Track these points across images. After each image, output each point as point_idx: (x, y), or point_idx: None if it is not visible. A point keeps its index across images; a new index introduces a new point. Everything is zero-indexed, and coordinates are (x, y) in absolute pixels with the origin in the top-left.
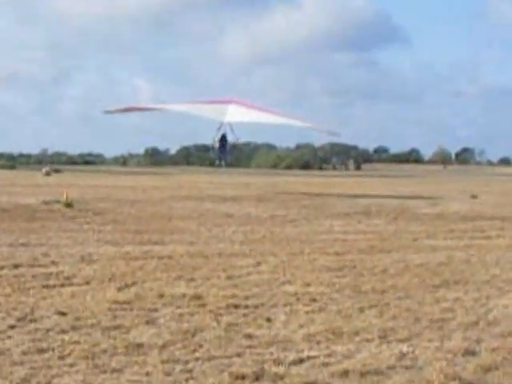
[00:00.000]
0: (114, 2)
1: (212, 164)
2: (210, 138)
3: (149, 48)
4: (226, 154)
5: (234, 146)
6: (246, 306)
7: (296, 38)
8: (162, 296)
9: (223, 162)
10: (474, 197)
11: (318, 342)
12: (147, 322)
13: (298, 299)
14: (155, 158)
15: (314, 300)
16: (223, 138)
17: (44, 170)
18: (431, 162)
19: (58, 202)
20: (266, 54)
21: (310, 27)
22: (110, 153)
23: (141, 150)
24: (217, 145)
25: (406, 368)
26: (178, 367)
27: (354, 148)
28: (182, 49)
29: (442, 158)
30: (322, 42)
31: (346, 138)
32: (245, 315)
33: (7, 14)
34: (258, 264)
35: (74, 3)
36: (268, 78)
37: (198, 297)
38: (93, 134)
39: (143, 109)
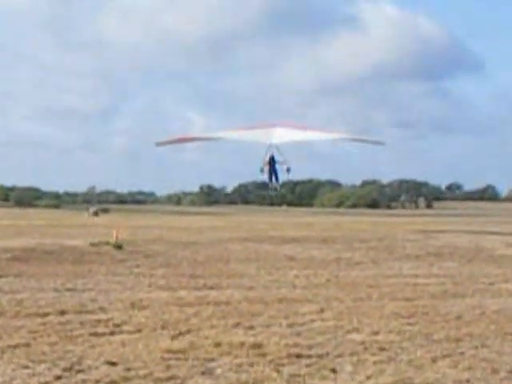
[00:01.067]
0: (166, 30)
1: (272, 203)
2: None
3: (201, 78)
4: (277, 175)
5: (288, 170)
6: (310, 356)
7: (361, 67)
8: (218, 345)
9: (276, 185)
10: None
11: None
12: (203, 373)
13: (365, 348)
14: (210, 196)
15: (383, 349)
16: (272, 160)
17: (91, 210)
18: (508, 199)
19: (106, 243)
20: (329, 84)
21: (376, 54)
22: (161, 191)
23: (195, 188)
24: (266, 167)
25: None
26: None
27: (425, 185)
28: (237, 79)
29: None
30: (389, 70)
31: (416, 174)
32: (308, 366)
33: (52, 41)
34: (322, 310)
35: (122, 30)
36: (331, 109)
37: (257, 346)
38: (143, 170)
39: (193, 139)
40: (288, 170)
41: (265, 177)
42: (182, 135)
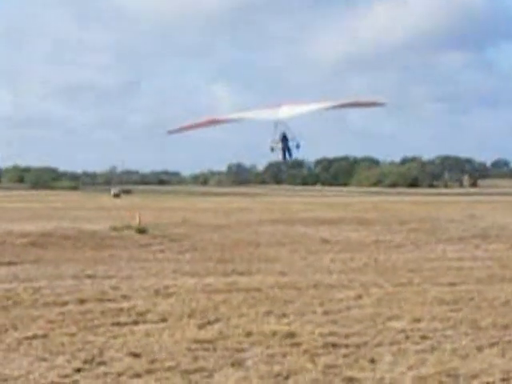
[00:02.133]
0: (188, 2)
1: (306, 183)
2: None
3: (228, 51)
4: (291, 152)
5: (297, 146)
6: (347, 346)
7: (398, 38)
8: (249, 334)
9: (290, 157)
10: None
11: None
12: (232, 365)
13: (406, 337)
14: (239, 175)
15: (425, 337)
16: (284, 137)
17: (112, 191)
18: None
19: (128, 227)
20: (363, 57)
21: (414, 25)
22: (187, 170)
23: (223, 167)
24: (279, 145)
25: None
26: None
27: (469, 161)
28: (264, 52)
29: None
30: (428, 41)
31: (459, 150)
32: (345, 356)
33: (68, 15)
34: (360, 297)
35: (142, 2)
36: (365, 83)
37: (290, 335)
38: (168, 149)
39: (205, 124)
40: (298, 146)
41: (277, 156)
42: (192, 122)
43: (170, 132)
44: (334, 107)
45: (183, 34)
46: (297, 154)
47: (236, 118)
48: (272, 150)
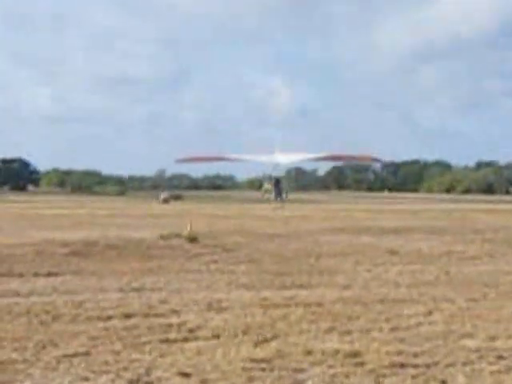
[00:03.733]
0: None
1: (371, 188)
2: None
3: (284, 40)
4: (281, 193)
5: (286, 193)
6: (416, 366)
7: (471, 28)
8: (309, 353)
9: (280, 198)
10: None
11: None
12: None
13: (480, 356)
14: (300, 180)
15: (502, 357)
16: (277, 181)
17: (161, 197)
18: None
19: (178, 236)
20: (433, 48)
21: (488, 13)
22: (242, 174)
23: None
24: (271, 186)
25: None
26: None
27: None
28: (324, 41)
29: None
30: (503, 31)
31: None
32: (414, 377)
33: (110, 3)
34: (430, 312)
35: None
36: (435, 76)
37: (354, 353)
38: (221, 149)
39: (212, 159)
40: (286, 193)
41: (266, 195)
42: (198, 156)
43: (178, 161)
44: (327, 158)
45: (236, 21)
46: (284, 197)
47: (240, 158)
48: (261, 187)
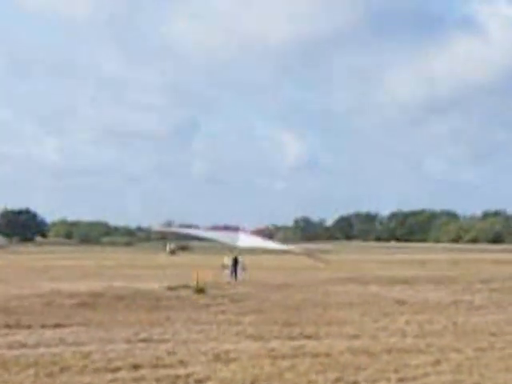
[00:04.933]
0: (247, 35)
1: (378, 238)
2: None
3: (291, 90)
4: (237, 273)
5: (243, 269)
6: None
7: (481, 78)
8: None
9: (235, 278)
10: None
11: None
12: None
13: None
14: (307, 230)
15: None
16: (235, 260)
17: (168, 248)
18: None
19: (186, 287)
20: (440, 97)
21: (499, 64)
22: (250, 224)
23: (289, 221)
24: (230, 263)
25: None
26: None
27: None
28: (331, 93)
29: None
30: None
31: None
32: None
33: (116, 53)
34: (438, 362)
35: (195, 38)
36: (443, 127)
37: None
38: (228, 200)
39: (180, 233)
40: (243, 269)
41: (225, 271)
42: (171, 228)
43: (154, 230)
44: (287, 251)
45: (243, 73)
46: (240, 277)
47: (206, 236)
48: (222, 266)
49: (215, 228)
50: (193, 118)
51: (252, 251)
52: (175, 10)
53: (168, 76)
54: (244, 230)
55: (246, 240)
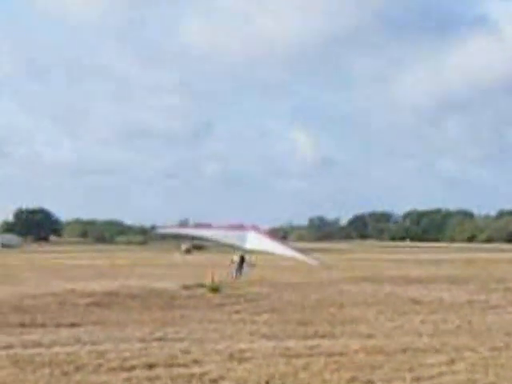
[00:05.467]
0: (261, 37)
1: (393, 237)
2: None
3: (305, 92)
4: (242, 270)
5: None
6: None
7: (495, 77)
8: None
9: (239, 275)
10: None
11: None
12: None
13: None
14: (322, 230)
15: None
16: (242, 259)
17: (183, 247)
18: None
19: (201, 285)
20: (454, 98)
21: (510, 62)
22: (265, 223)
23: (304, 221)
24: (236, 263)
25: None
26: None
27: None
28: (346, 93)
29: None
30: None
31: None
32: None
33: (130, 54)
34: (453, 362)
35: (209, 38)
36: (457, 127)
37: None
38: (244, 200)
39: (188, 234)
40: (251, 266)
41: (232, 266)
42: (179, 228)
43: (160, 231)
44: (288, 255)
45: (256, 73)
46: (244, 276)
47: (212, 237)
48: (232, 261)
49: (225, 227)
50: (207, 118)
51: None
52: (189, 11)
53: (182, 76)
54: (257, 229)
55: (254, 242)
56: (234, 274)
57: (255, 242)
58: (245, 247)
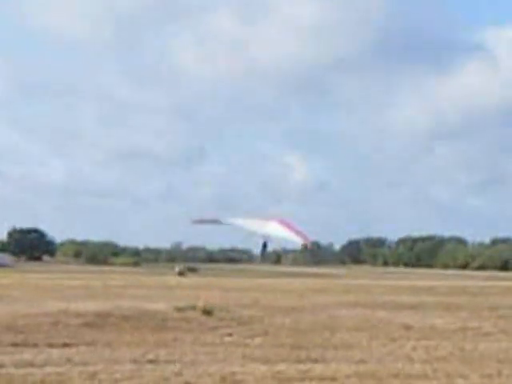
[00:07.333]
0: (253, 61)
1: (386, 263)
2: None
3: (297, 115)
4: (264, 252)
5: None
6: None
7: (489, 104)
8: None
9: (262, 259)
10: None
11: None
12: None
13: None
14: (316, 254)
15: None
16: (264, 244)
17: (176, 269)
18: None
19: (193, 308)
20: (448, 126)
21: (507, 90)
22: (258, 248)
23: (297, 245)
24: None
25: None
26: None
27: None
28: (338, 118)
29: None
30: None
31: None
32: None
33: (122, 76)
34: None
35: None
36: (451, 155)
37: None
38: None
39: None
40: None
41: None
42: (213, 217)
43: (194, 222)
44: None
45: (248, 96)
46: (265, 254)
47: (231, 223)
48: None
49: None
50: (200, 142)
51: (260, 273)
52: (183, 34)
53: (175, 99)
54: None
55: (275, 228)
56: (260, 258)
57: (275, 229)
58: (266, 231)
